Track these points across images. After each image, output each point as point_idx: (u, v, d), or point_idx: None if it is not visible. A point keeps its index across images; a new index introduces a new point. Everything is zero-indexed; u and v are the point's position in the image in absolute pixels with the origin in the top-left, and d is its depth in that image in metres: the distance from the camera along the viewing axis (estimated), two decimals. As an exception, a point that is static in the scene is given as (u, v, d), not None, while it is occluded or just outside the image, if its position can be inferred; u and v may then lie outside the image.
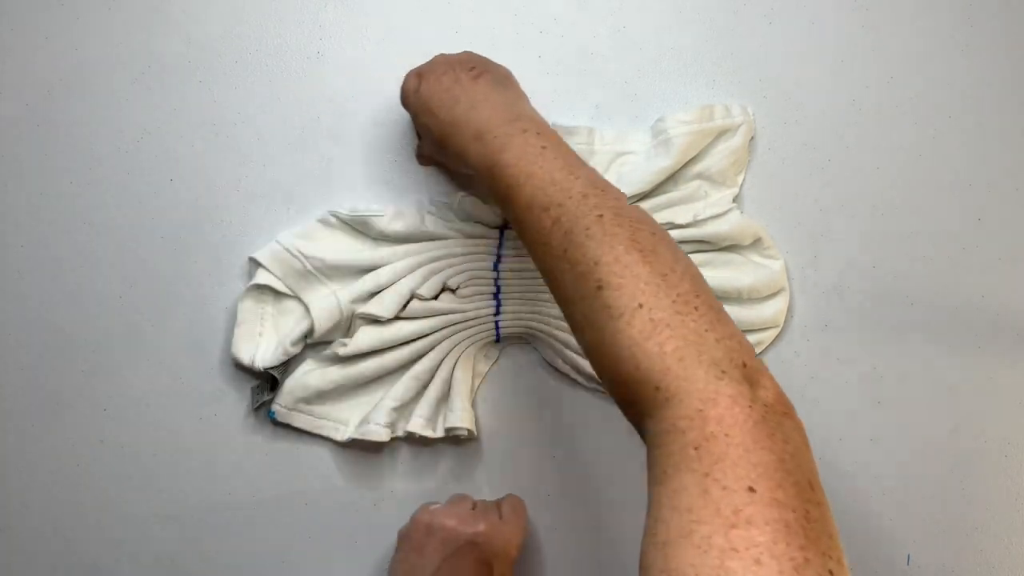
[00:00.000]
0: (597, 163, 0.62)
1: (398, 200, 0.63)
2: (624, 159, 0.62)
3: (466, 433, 0.60)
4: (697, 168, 0.62)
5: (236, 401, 0.62)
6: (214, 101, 0.63)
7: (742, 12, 0.65)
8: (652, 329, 0.38)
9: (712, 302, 0.40)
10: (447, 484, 0.62)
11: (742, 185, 0.63)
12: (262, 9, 0.63)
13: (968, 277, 0.64)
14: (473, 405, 0.62)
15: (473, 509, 0.57)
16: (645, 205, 0.62)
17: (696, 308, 0.39)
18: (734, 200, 0.63)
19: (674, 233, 0.61)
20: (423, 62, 0.56)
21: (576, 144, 0.61)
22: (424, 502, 0.59)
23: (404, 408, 0.60)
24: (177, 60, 0.63)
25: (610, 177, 0.62)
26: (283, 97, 0.63)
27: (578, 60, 0.64)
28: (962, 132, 0.65)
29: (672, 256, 0.41)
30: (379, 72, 0.63)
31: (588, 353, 0.42)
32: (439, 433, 0.60)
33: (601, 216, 0.42)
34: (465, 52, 0.56)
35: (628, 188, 0.61)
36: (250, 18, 0.63)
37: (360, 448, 0.62)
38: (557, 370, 0.62)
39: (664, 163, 0.60)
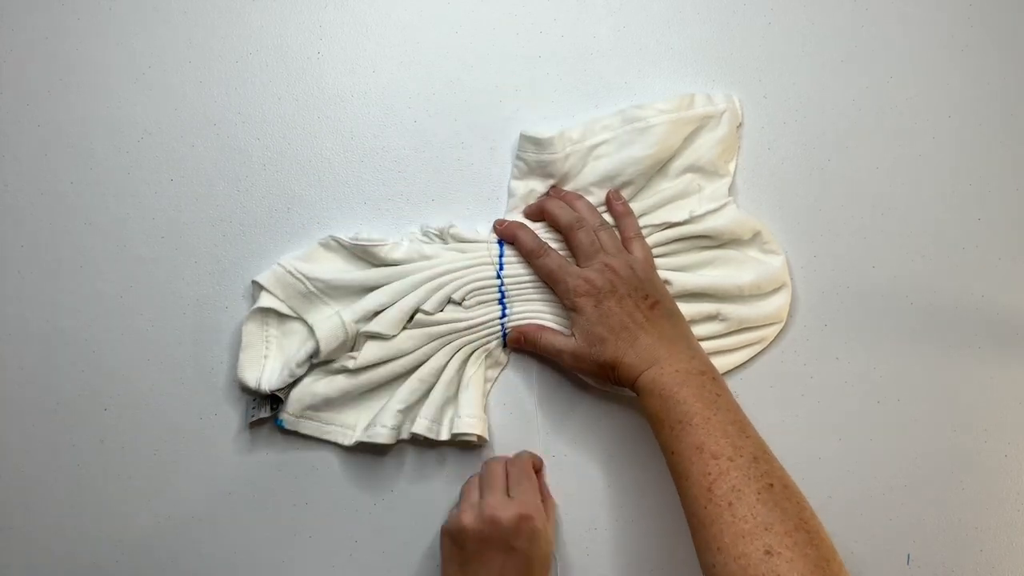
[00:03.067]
0: (573, 164, 0.61)
1: (396, 198, 0.63)
2: (598, 151, 0.62)
3: (475, 439, 0.60)
4: (686, 161, 0.62)
5: (236, 401, 0.62)
6: (214, 101, 0.63)
7: (742, 12, 0.65)
8: None
9: None
10: (450, 485, 0.62)
11: (735, 173, 0.63)
12: (262, 9, 0.63)
13: (968, 277, 0.64)
14: (485, 410, 0.62)
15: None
16: (638, 204, 0.62)
17: None
18: (728, 190, 0.62)
19: (671, 232, 0.61)
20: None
21: (551, 155, 0.61)
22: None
23: (410, 410, 0.60)
24: (177, 60, 0.63)
25: (587, 171, 0.61)
26: (283, 97, 0.63)
27: (578, 60, 0.64)
28: (962, 132, 0.65)
29: (830, 544, 0.46)
30: (379, 73, 0.63)
31: None
32: (444, 436, 0.59)
33: (771, 485, 0.47)
34: (631, 272, 0.57)
35: (607, 180, 0.61)
36: (250, 18, 0.63)
37: (361, 449, 0.62)
38: (561, 367, 0.63)
39: (642, 152, 0.60)
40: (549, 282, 0.59)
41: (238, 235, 0.62)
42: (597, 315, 0.56)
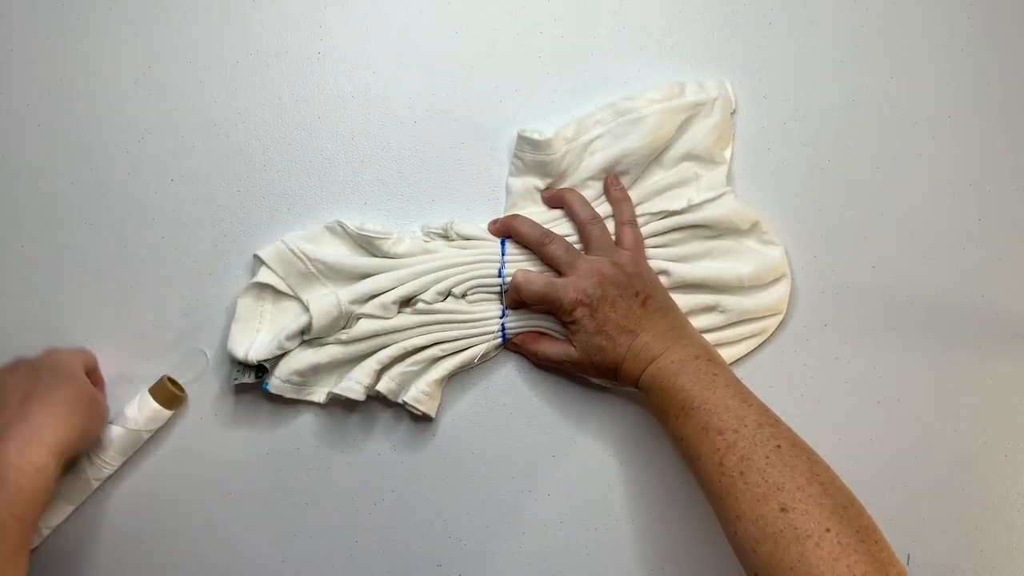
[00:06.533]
0: (570, 162, 0.61)
1: (397, 199, 0.63)
2: (592, 146, 0.62)
3: (420, 414, 0.60)
4: (682, 149, 0.62)
5: (236, 401, 0.62)
6: (214, 101, 0.63)
7: (742, 12, 0.65)
8: (841, 552, 0.43)
9: (883, 539, 0.46)
10: (447, 487, 0.62)
11: (732, 167, 0.63)
12: (263, 9, 0.63)
13: (968, 277, 0.64)
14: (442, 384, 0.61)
15: None
16: (635, 193, 0.62)
17: (876, 542, 0.45)
18: (726, 178, 0.62)
19: (669, 221, 0.61)
20: (585, 278, 0.56)
21: (548, 155, 0.61)
22: None
23: (385, 371, 0.60)
24: (177, 60, 0.63)
25: (584, 165, 0.62)
26: (283, 97, 0.63)
27: (578, 60, 0.64)
28: (962, 132, 0.65)
29: (847, 491, 0.47)
30: (379, 73, 0.63)
31: (761, 567, 0.46)
32: (399, 399, 0.59)
33: (779, 447, 0.48)
34: (618, 270, 0.57)
35: (604, 172, 0.61)
36: (251, 18, 0.63)
37: (361, 449, 0.62)
38: (560, 370, 0.63)
39: (637, 142, 0.60)
40: (543, 303, 0.58)
41: (238, 235, 0.62)
42: (595, 325, 0.56)
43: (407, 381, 0.60)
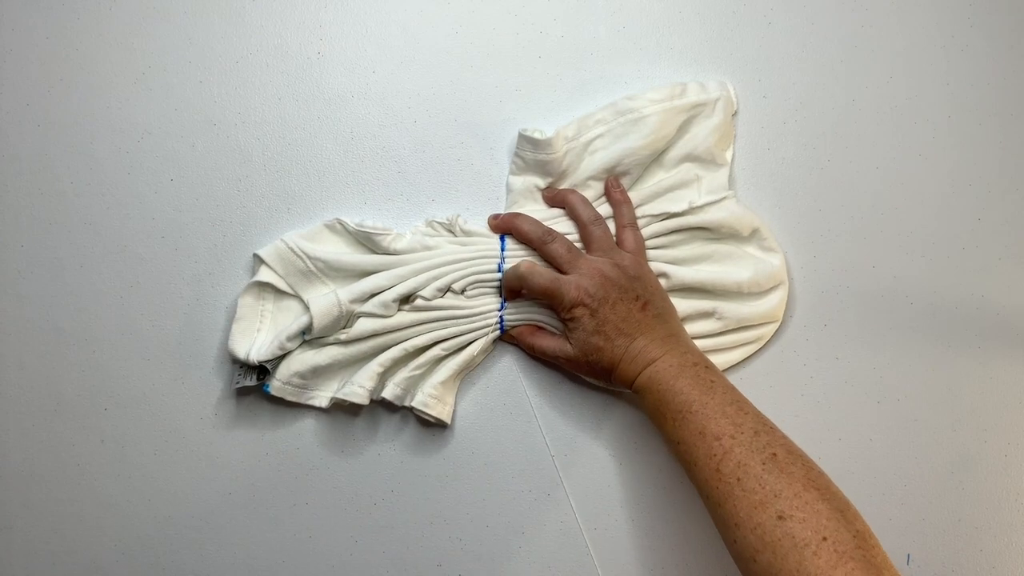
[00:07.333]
0: (571, 161, 0.61)
1: (396, 199, 0.63)
2: (593, 145, 0.62)
3: (431, 419, 0.60)
4: (683, 150, 0.62)
5: (236, 401, 0.62)
6: (214, 101, 0.63)
7: (742, 12, 0.65)
8: (838, 560, 0.43)
9: (878, 544, 0.45)
10: (447, 487, 0.62)
11: (734, 168, 0.63)
12: (262, 9, 0.63)
13: (968, 277, 0.64)
14: (454, 395, 0.61)
15: None
16: (636, 194, 0.62)
17: (872, 547, 0.45)
18: (728, 180, 0.62)
19: (670, 222, 0.61)
20: (586, 280, 0.56)
21: (548, 155, 0.61)
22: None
23: (388, 374, 0.60)
24: (177, 60, 0.63)
25: (584, 165, 0.62)
26: (283, 97, 0.63)
27: (578, 60, 0.64)
28: (962, 132, 0.65)
29: (842, 496, 0.47)
30: (379, 73, 0.63)
31: (760, 573, 0.46)
32: (407, 403, 0.60)
33: (775, 454, 0.48)
34: (620, 272, 0.57)
35: (605, 172, 0.61)
36: (250, 18, 0.63)
37: (362, 449, 0.62)
38: (556, 366, 0.63)
39: (637, 142, 0.60)
40: (544, 297, 0.58)
41: (238, 235, 0.62)
42: (594, 325, 0.56)
43: (412, 386, 0.60)
